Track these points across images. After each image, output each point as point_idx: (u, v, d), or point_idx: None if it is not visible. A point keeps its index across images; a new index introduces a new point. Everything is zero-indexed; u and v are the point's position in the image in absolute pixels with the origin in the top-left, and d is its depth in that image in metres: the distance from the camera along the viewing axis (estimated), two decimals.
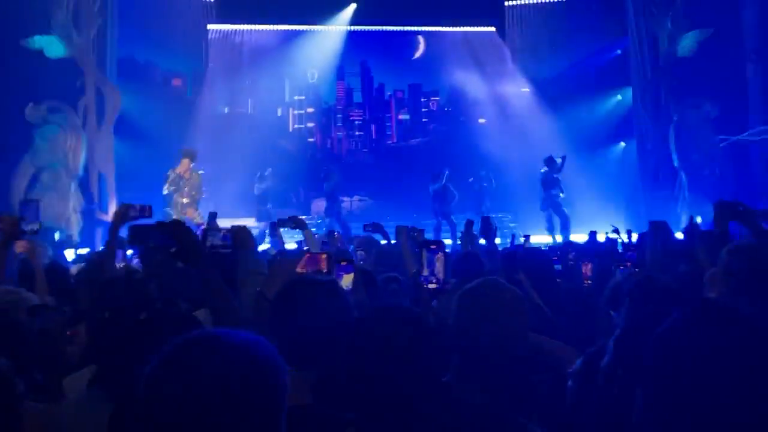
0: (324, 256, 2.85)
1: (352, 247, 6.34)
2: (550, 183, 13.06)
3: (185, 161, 12.14)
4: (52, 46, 11.78)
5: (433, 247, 3.15)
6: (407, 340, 1.73)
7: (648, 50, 13.80)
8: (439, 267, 3.14)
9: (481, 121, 17.66)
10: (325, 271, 2.79)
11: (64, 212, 11.76)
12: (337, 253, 5.19)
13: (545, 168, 13.09)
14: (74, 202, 11.96)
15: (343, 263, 3.09)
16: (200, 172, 12.53)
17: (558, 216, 12.95)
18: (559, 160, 12.98)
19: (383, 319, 1.82)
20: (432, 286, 3.09)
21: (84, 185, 12.28)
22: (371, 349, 1.73)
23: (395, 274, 4.27)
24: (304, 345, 2.00)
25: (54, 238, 10.61)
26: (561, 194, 13.04)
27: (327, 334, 1.99)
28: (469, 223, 5.70)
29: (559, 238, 12.27)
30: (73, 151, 12.02)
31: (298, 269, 2.83)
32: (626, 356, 2.12)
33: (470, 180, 15.06)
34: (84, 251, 10.84)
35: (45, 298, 3.62)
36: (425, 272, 3.16)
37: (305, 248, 4.85)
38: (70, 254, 9.85)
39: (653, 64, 13.73)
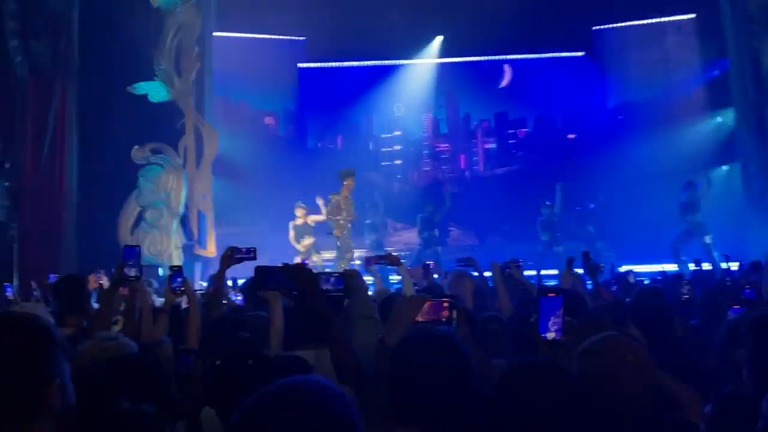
0: (446, 304, 2.75)
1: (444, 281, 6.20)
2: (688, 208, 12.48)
3: (350, 181, 11.71)
4: (155, 91, 12.40)
5: (551, 295, 2.64)
6: (556, 400, 1.65)
7: (750, 70, 13.19)
8: (557, 319, 2.81)
9: (570, 136, 17.32)
10: (445, 319, 2.70)
11: (167, 249, 12.23)
12: (436, 288, 5.10)
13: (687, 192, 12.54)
14: (176, 239, 12.43)
15: (445, 303, 2.87)
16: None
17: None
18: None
19: (529, 375, 1.75)
20: (550, 336, 2.62)
21: (184, 222, 12.77)
22: (517, 408, 1.67)
23: (494, 314, 4.13)
24: (420, 398, 1.94)
25: (159, 274, 11.03)
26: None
27: (444, 390, 1.94)
28: (570, 261, 5.44)
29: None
30: (174, 190, 12.53)
31: (419, 318, 2.75)
32: None
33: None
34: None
35: (159, 338, 3.72)
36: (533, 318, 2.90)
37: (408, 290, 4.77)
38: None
39: (756, 83, 13.09)
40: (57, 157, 11.77)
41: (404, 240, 16.12)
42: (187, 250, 12.66)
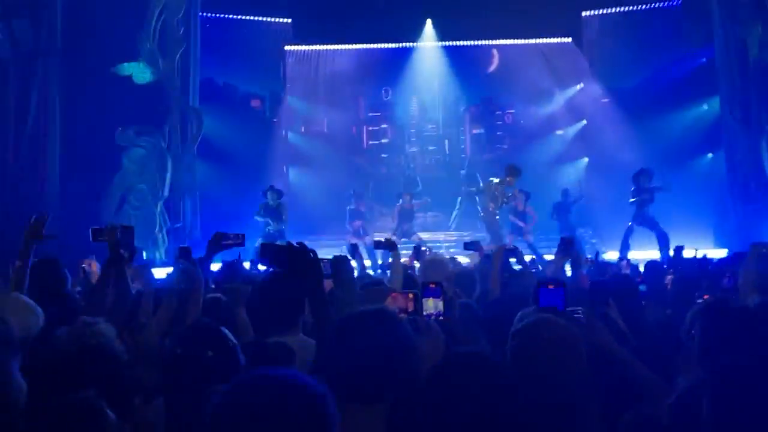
0: (411, 296, 2.76)
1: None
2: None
3: (512, 180, 12.97)
4: (140, 72, 12.30)
5: (551, 287, 2.69)
6: (485, 390, 1.72)
7: (736, 57, 13.20)
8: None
9: (559, 132, 17.33)
10: (411, 311, 2.71)
11: (151, 232, 12.19)
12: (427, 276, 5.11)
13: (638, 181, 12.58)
14: (160, 222, 12.38)
15: (432, 286, 2.99)
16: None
17: (653, 232, 12.31)
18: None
19: (462, 367, 1.81)
20: None
21: (169, 206, 12.72)
22: (450, 395, 1.70)
23: (467, 301, 4.12)
24: (363, 378, 1.94)
25: (142, 257, 10.99)
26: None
27: (387, 368, 1.94)
28: (569, 241, 5.48)
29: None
30: (158, 172, 12.46)
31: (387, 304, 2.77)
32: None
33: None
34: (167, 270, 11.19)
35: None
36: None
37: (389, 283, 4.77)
38: (158, 273, 10.15)
39: (742, 71, 13.11)
40: (39, 138, 11.66)
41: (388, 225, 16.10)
42: (173, 234, 12.62)
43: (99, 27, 11.66)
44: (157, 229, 12.29)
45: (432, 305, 2.90)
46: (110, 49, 11.96)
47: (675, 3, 15.61)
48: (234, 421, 1.23)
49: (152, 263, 11.50)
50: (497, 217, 13.12)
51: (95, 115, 11.80)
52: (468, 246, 6.65)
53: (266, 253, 2.74)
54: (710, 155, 14.66)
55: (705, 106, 14.91)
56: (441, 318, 2.87)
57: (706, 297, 3.68)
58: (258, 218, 12.27)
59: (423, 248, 7.58)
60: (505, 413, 1.69)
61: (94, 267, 6.51)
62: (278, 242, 7.27)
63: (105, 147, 12.06)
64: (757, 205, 12.71)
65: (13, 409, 1.58)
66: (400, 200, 14.12)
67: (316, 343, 2.45)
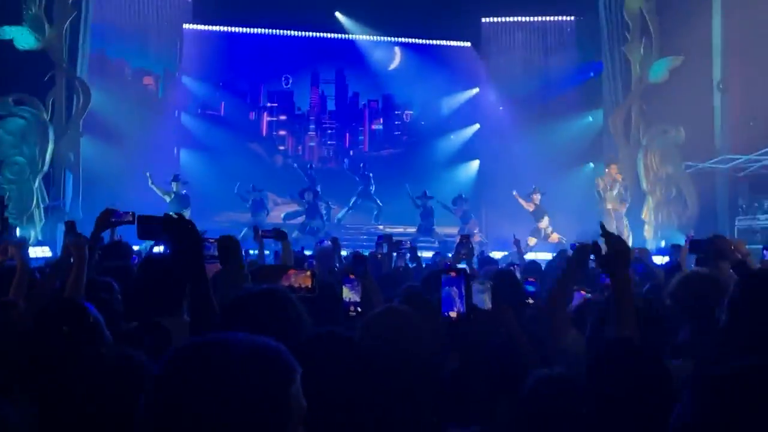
0: (309, 272, 2.80)
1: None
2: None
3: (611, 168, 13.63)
4: (22, 37, 11.54)
5: (453, 275, 2.62)
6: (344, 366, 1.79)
7: (621, 74, 14.05)
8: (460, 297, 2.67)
9: (452, 137, 17.78)
10: (309, 287, 2.75)
11: (27, 208, 11.47)
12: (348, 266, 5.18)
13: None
14: (38, 198, 11.68)
15: (351, 276, 3.16)
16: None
17: None
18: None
19: (321, 345, 1.85)
20: (453, 315, 2.59)
21: (48, 181, 12.01)
22: (312, 374, 1.75)
23: None
24: None
25: (15, 235, 10.31)
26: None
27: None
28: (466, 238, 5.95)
29: None
30: (38, 145, 11.73)
31: (283, 283, 2.78)
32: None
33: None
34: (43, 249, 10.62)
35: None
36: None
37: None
38: (33, 252, 9.58)
39: (625, 88, 13.96)
40: None
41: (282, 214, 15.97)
42: (52, 211, 11.93)
43: None
44: (33, 205, 11.56)
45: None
46: None
47: (569, 18, 16.37)
48: (184, 389, 1.09)
49: (26, 241, 10.83)
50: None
51: None
52: (382, 239, 6.82)
53: (142, 225, 2.63)
54: (591, 165, 15.49)
55: (590, 118, 15.74)
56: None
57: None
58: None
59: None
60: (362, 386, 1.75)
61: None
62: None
63: None
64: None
65: None
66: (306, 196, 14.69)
67: (190, 322, 2.30)
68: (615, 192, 13.54)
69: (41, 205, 11.76)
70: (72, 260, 3.29)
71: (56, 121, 12.04)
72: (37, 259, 8.37)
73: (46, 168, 11.83)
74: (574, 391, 2.02)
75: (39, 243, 11.24)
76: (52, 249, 10.71)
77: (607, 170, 13.84)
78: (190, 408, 1.08)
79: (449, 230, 14.97)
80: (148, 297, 3.09)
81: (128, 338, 2.37)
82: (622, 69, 14.04)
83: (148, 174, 13.15)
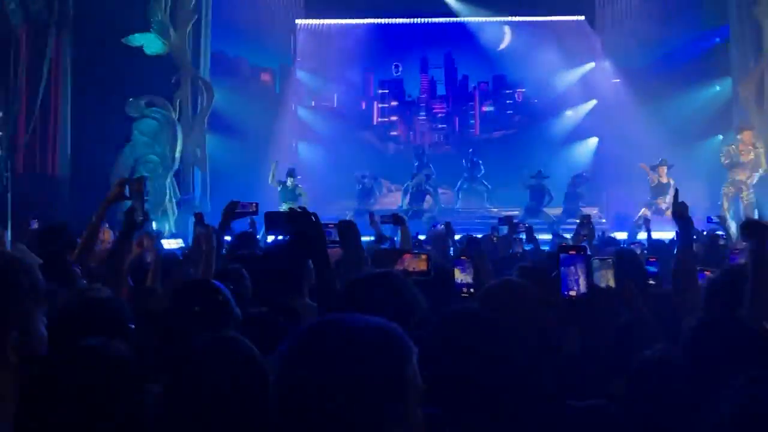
0: (425, 256, 2.86)
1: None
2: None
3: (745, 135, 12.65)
4: (150, 43, 12.29)
5: (572, 253, 2.54)
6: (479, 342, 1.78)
7: (751, 39, 13.07)
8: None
9: (568, 113, 17.24)
10: (425, 270, 2.80)
11: (161, 203, 12.28)
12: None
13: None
14: (170, 193, 12.47)
15: (463, 258, 3.15)
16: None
17: None
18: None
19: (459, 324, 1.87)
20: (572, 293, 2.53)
21: (178, 177, 12.79)
22: (449, 351, 1.76)
23: None
24: None
25: (152, 227, 11.06)
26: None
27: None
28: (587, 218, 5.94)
29: None
30: (169, 143, 12.52)
31: (398, 267, 2.86)
32: None
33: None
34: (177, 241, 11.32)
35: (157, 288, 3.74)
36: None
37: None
38: (167, 244, 10.26)
39: (756, 53, 12.99)
40: (51, 108, 11.73)
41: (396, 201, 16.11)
42: (183, 205, 12.70)
43: None
44: (167, 200, 12.37)
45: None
46: (121, 19, 11.93)
47: None
48: (306, 371, 1.16)
49: (161, 234, 11.60)
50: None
51: (106, 85, 11.84)
52: (503, 221, 6.85)
53: (269, 220, 2.79)
54: (720, 137, 14.55)
55: (717, 87, 14.77)
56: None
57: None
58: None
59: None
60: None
61: (107, 236, 6.45)
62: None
63: (116, 118, 12.11)
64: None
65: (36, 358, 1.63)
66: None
67: (317, 306, 2.47)
68: (749, 159, 12.54)
69: (173, 200, 12.55)
70: (203, 249, 3.53)
71: (183, 120, 12.79)
72: (171, 250, 8.95)
73: (176, 165, 12.61)
74: (677, 370, 1.98)
75: (173, 235, 12.00)
76: (185, 240, 11.40)
77: (739, 136, 12.89)
78: (312, 383, 1.15)
79: (553, 211, 14.60)
80: (273, 282, 3.28)
81: (262, 321, 2.50)
82: (753, 32, 13.05)
83: (274, 163, 13.58)
